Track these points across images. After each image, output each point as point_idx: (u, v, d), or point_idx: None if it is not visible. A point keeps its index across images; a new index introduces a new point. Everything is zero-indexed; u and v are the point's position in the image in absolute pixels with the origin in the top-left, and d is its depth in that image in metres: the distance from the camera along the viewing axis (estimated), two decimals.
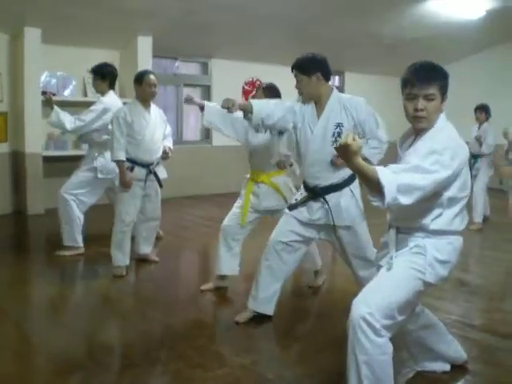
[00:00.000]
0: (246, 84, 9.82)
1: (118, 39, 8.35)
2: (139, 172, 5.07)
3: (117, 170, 5.09)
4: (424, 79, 2.54)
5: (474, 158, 7.39)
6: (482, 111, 7.75)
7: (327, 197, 3.68)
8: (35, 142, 7.62)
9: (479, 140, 7.51)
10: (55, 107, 5.49)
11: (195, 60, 9.92)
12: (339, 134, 3.54)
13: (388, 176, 2.30)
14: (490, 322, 4.01)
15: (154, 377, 3.02)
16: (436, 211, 2.61)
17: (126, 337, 3.70)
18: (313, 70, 3.67)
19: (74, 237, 5.66)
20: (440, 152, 2.41)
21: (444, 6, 8.41)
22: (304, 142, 3.71)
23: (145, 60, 8.43)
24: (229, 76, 9.61)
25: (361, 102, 3.70)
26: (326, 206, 3.68)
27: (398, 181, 2.30)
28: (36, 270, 5.27)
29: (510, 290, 5.08)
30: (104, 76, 5.66)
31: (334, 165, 3.59)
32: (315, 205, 3.74)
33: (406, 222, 2.71)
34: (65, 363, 3.24)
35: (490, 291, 4.85)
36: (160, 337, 3.68)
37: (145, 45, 8.44)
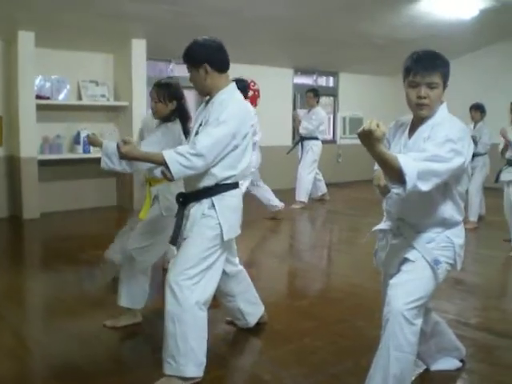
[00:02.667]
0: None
1: (112, 42, 8.35)
2: None
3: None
4: (427, 67, 2.57)
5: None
6: (477, 110, 7.76)
7: (187, 207, 3.17)
8: (30, 146, 7.61)
9: (474, 139, 7.51)
10: None
11: None
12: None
13: (410, 163, 2.33)
14: (486, 320, 4.02)
15: (151, 379, 3.01)
16: (450, 204, 2.71)
17: (123, 340, 3.70)
18: (199, 60, 3.09)
19: None
20: (455, 141, 2.47)
21: (437, 6, 8.42)
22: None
23: (139, 63, 8.44)
24: None
25: (232, 103, 3.13)
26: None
27: (419, 168, 2.34)
28: (32, 274, 5.27)
29: (505, 288, 5.10)
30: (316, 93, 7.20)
31: (118, 150, 3.01)
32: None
33: (422, 218, 2.74)
34: (61, 367, 3.24)
35: (485, 290, 4.87)
36: (157, 339, 3.68)
37: (139, 48, 8.44)
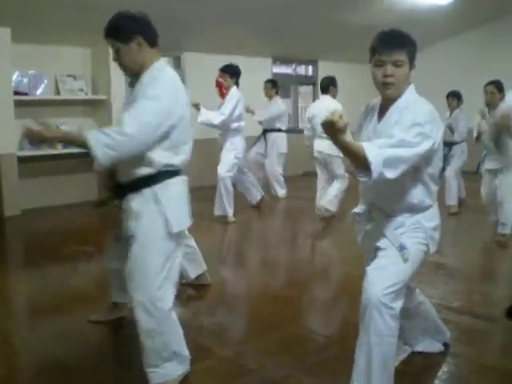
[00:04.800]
0: (219, 76, 9.80)
1: (89, 36, 8.23)
2: None
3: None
4: (392, 46, 2.56)
5: (448, 145, 7.25)
6: (454, 98, 7.75)
7: (124, 198, 2.88)
8: (9, 143, 7.50)
9: (451, 128, 7.53)
10: (202, 108, 6.79)
11: (167, 54, 9.82)
12: None
13: (374, 151, 2.34)
14: (468, 304, 4.07)
15: (137, 375, 3.02)
16: (421, 189, 2.68)
17: (109, 335, 3.70)
18: (131, 33, 2.86)
19: None
20: (422, 124, 2.46)
21: None
22: None
23: None
24: (202, 69, 9.56)
25: (160, 79, 2.84)
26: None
27: (384, 155, 2.34)
28: (14, 271, 5.23)
29: (487, 272, 5.15)
30: (234, 74, 7.02)
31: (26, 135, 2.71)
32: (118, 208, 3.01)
33: (392, 203, 2.73)
34: (47, 364, 3.23)
35: (467, 274, 4.93)
36: None
37: None
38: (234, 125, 7.01)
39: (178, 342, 2.95)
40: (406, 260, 2.63)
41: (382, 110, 2.70)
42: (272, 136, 8.93)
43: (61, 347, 3.46)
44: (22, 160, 7.66)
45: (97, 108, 8.59)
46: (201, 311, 4.02)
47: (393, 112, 2.63)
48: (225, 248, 6.26)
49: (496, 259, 5.62)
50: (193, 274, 4.38)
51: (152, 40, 2.91)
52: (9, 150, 7.51)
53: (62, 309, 4.18)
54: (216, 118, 6.86)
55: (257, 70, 10.72)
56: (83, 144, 2.60)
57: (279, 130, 8.95)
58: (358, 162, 2.37)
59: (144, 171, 2.77)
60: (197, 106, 6.70)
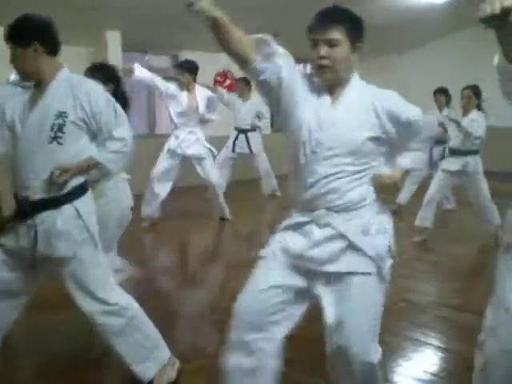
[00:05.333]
0: (217, 75, 9.81)
1: (86, 35, 8.25)
2: None
3: None
4: (324, 22, 2.21)
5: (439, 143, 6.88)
6: (442, 94, 7.47)
7: (39, 216, 2.66)
8: None
9: (443, 126, 7.17)
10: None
11: (166, 53, 9.85)
12: (60, 128, 2.64)
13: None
14: (466, 301, 4.08)
15: (131, 372, 3.03)
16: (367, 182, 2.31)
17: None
18: (28, 38, 2.71)
19: None
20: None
21: None
22: (13, 138, 2.69)
23: (114, 55, 8.34)
24: (200, 68, 9.55)
25: (95, 87, 2.86)
26: (35, 229, 2.67)
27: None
28: None
29: (483, 269, 5.16)
30: (192, 70, 6.67)
31: (53, 182, 2.62)
32: (22, 227, 2.70)
33: (335, 199, 2.26)
34: (42, 361, 3.25)
35: (463, 271, 4.93)
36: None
37: (114, 40, 8.36)
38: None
39: (153, 327, 2.96)
40: (385, 280, 2.28)
41: (330, 92, 2.30)
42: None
43: (56, 345, 3.48)
44: None
45: None
46: (195, 309, 4.03)
47: (349, 96, 2.27)
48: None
49: (494, 257, 5.61)
50: None
51: (51, 48, 2.77)
52: None
53: (56, 306, 4.16)
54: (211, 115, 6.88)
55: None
56: (96, 166, 2.75)
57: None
58: None
59: (72, 183, 2.71)
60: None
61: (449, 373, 3.11)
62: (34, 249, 2.66)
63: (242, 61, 2.25)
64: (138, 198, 7.84)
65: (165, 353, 2.99)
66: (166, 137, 7.13)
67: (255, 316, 2.25)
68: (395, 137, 2.27)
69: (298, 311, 2.35)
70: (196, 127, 6.75)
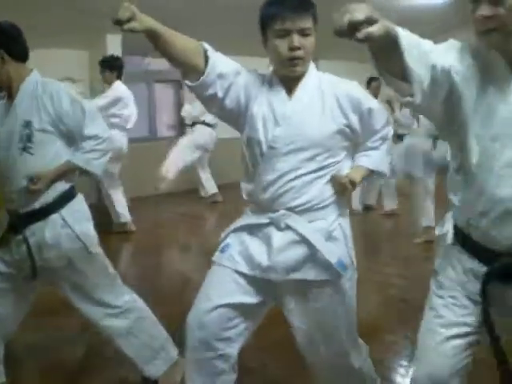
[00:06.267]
0: None
1: (87, 39, 8.28)
2: None
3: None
4: (296, 9, 2.08)
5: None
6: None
7: (30, 228, 2.69)
8: None
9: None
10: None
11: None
12: (29, 138, 2.61)
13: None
14: None
15: (137, 373, 3.03)
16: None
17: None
18: None
19: None
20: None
21: None
22: None
23: None
24: None
25: (59, 89, 2.79)
26: (27, 242, 2.67)
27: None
28: None
29: None
30: (113, 67, 6.50)
31: (29, 191, 2.63)
32: (15, 240, 2.72)
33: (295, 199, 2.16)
34: (46, 364, 3.27)
35: None
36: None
37: (114, 43, 8.36)
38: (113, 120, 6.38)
39: (160, 327, 2.98)
40: (351, 285, 2.23)
41: (284, 85, 2.22)
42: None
43: (59, 348, 3.49)
44: None
45: None
46: None
47: (307, 88, 2.19)
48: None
49: None
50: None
51: (18, 54, 2.75)
52: None
53: (59, 310, 4.19)
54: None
55: (260, 69, 10.71)
56: (75, 169, 2.73)
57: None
58: None
59: (58, 189, 2.72)
60: None
61: None
62: (33, 260, 2.66)
63: (191, 71, 2.14)
64: (141, 201, 7.94)
65: (173, 352, 2.98)
66: (166, 140, 7.16)
67: (207, 333, 2.16)
68: (357, 129, 2.18)
69: (254, 323, 2.33)
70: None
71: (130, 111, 6.67)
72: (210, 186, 8.70)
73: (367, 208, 7.86)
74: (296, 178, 2.11)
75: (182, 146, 8.12)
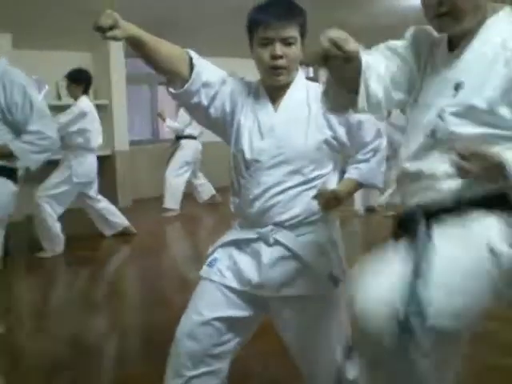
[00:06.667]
0: None
1: (90, 41, 8.22)
2: None
3: (92, 175, 5.24)
4: (280, 17, 2.00)
5: None
6: None
7: None
8: None
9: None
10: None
11: None
12: None
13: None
14: None
15: (138, 374, 3.03)
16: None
17: (109, 337, 3.72)
18: None
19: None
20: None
21: None
22: None
23: (118, 60, 8.39)
24: None
25: (17, 80, 2.88)
26: None
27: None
28: (17, 276, 5.25)
29: None
30: (78, 81, 5.84)
31: None
32: None
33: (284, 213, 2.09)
34: (50, 365, 3.26)
35: None
36: (146, 336, 3.70)
37: (117, 45, 8.38)
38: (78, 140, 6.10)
39: None
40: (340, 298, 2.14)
41: (271, 98, 2.15)
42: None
43: (64, 350, 3.48)
44: None
45: (98, 113, 8.59)
46: None
47: (292, 98, 2.13)
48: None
49: None
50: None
51: None
52: None
53: (64, 313, 4.20)
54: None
55: (255, 71, 10.72)
56: (8, 155, 2.81)
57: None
58: None
59: None
60: None
61: None
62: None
63: (176, 79, 2.10)
64: (142, 202, 7.94)
65: None
66: (169, 142, 7.15)
67: (199, 347, 2.08)
68: (344, 141, 2.12)
69: (246, 337, 2.26)
70: None
71: (95, 127, 6.26)
72: (206, 190, 8.62)
73: (369, 210, 7.84)
74: (282, 191, 2.05)
75: (173, 174, 7.78)
